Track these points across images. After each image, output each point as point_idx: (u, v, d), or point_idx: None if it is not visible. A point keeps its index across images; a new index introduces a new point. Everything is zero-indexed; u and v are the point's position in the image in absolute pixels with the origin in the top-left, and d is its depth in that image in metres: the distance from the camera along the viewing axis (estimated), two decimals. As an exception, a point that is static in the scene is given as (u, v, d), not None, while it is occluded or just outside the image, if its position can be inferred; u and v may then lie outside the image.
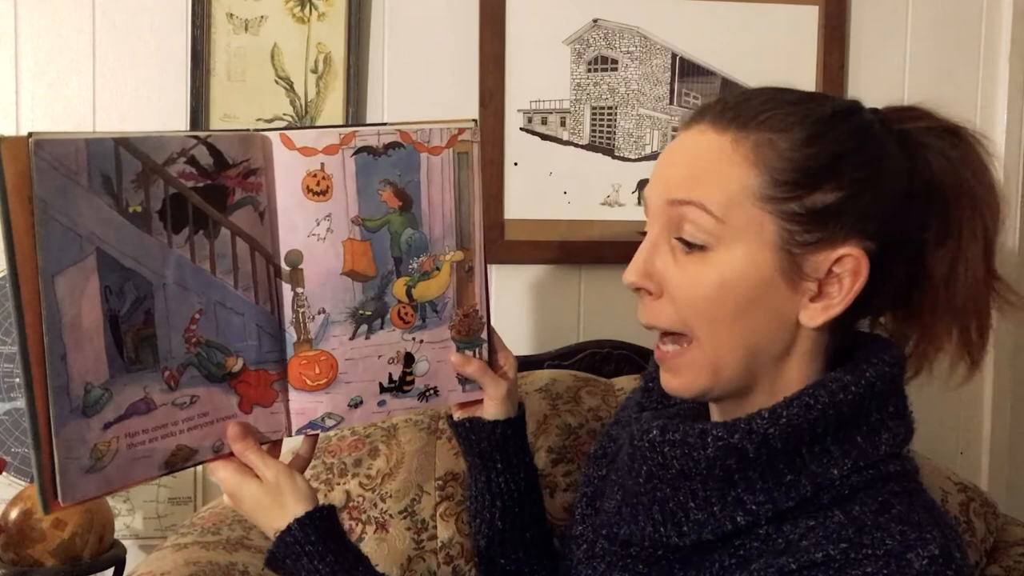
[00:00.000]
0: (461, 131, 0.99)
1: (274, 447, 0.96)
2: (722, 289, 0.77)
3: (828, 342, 0.82)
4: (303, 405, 0.94)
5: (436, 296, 0.99)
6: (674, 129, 1.69)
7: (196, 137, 0.86)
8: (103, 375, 0.81)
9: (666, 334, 0.82)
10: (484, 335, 1.03)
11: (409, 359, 0.99)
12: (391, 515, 1.34)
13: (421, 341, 0.99)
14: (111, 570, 1.47)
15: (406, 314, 0.98)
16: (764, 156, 0.76)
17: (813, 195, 0.75)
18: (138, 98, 1.56)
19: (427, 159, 0.97)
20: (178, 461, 0.88)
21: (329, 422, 0.96)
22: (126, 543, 1.53)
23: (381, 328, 0.97)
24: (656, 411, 0.92)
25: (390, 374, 0.98)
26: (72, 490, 0.80)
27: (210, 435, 0.90)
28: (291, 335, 0.93)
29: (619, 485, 0.89)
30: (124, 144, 0.82)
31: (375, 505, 1.34)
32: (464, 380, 1.02)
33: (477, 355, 1.03)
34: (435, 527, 1.35)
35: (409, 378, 0.99)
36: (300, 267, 0.92)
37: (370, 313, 0.96)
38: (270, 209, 0.91)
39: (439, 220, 0.99)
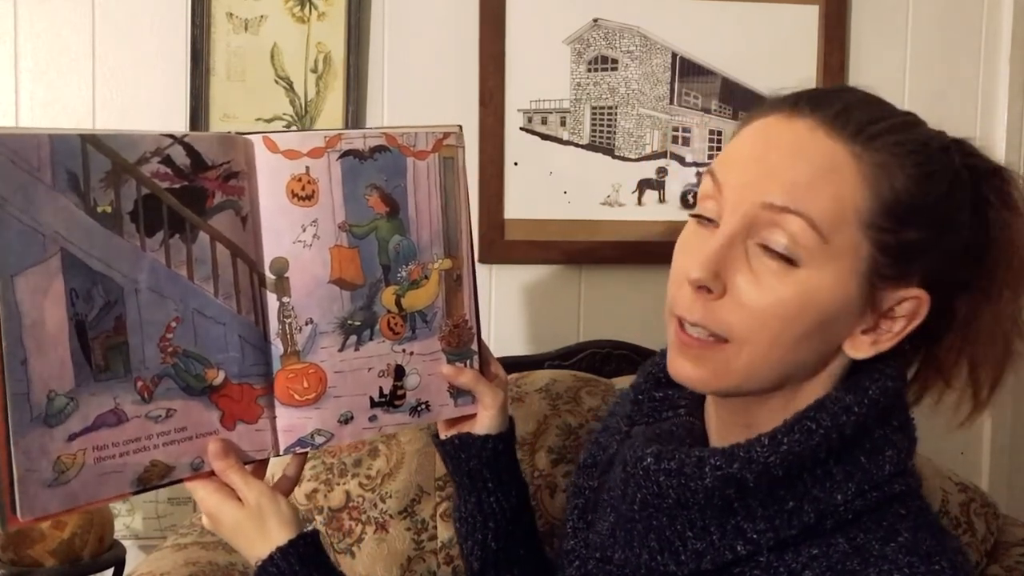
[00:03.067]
0: (446, 135, 0.96)
1: (259, 467, 0.90)
2: (802, 309, 0.71)
3: (852, 366, 0.77)
4: (291, 421, 0.89)
5: (425, 306, 0.95)
6: (684, 130, 1.70)
7: (172, 136, 0.81)
8: (68, 383, 0.75)
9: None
10: (475, 346, 0.99)
11: (400, 372, 0.94)
12: (391, 515, 1.33)
13: (411, 353, 0.94)
14: (111, 570, 1.46)
15: (396, 324, 0.93)
16: (882, 182, 0.71)
17: (907, 231, 0.71)
18: (138, 98, 1.54)
19: (413, 163, 0.93)
20: (152, 478, 0.82)
21: (319, 439, 0.90)
22: (126, 543, 1.52)
23: (371, 339, 0.92)
24: (647, 425, 0.87)
25: (380, 388, 0.93)
26: (32, 505, 0.74)
27: (188, 451, 0.84)
28: (277, 347, 0.88)
29: (611, 506, 0.84)
30: (92, 141, 0.77)
31: (375, 505, 1.34)
32: (456, 394, 0.98)
33: (468, 367, 0.99)
34: (435, 527, 1.33)
35: (400, 392, 0.94)
36: (286, 275, 0.87)
37: (359, 323, 0.91)
38: (253, 215, 0.86)
39: (426, 226, 0.95)
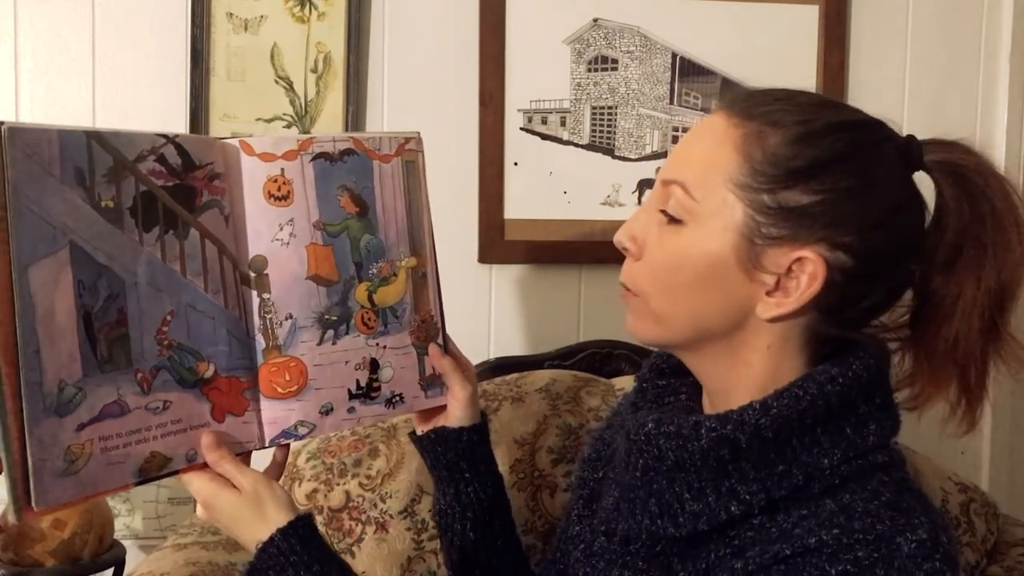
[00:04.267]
0: (407, 140, 1.02)
1: (244, 459, 0.91)
2: (680, 259, 0.80)
3: (801, 344, 0.82)
4: (275, 414, 0.92)
5: (395, 302, 1.00)
6: (683, 129, 1.70)
7: (165, 136, 0.85)
8: (77, 373, 0.77)
9: None
10: (440, 340, 1.04)
11: (375, 365, 0.99)
12: (391, 515, 1.34)
13: (385, 347, 0.99)
14: (111, 570, 1.47)
15: (369, 319, 0.98)
16: (750, 145, 0.78)
17: (788, 192, 0.77)
18: (138, 98, 1.54)
19: (379, 166, 0.99)
20: (152, 469, 0.84)
21: (302, 430, 0.94)
22: (126, 543, 1.52)
23: (347, 334, 0.97)
24: (650, 409, 0.92)
25: (357, 380, 0.98)
26: (46, 494, 0.75)
27: (183, 443, 0.86)
28: (260, 342, 0.91)
29: (615, 482, 0.89)
30: (96, 138, 0.79)
31: (375, 505, 1.34)
32: (426, 386, 1.02)
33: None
34: (435, 527, 1.34)
35: (375, 384, 0.99)
36: (265, 272, 0.92)
37: (335, 318, 0.96)
38: (234, 214, 0.90)
39: (393, 226, 1.00)
